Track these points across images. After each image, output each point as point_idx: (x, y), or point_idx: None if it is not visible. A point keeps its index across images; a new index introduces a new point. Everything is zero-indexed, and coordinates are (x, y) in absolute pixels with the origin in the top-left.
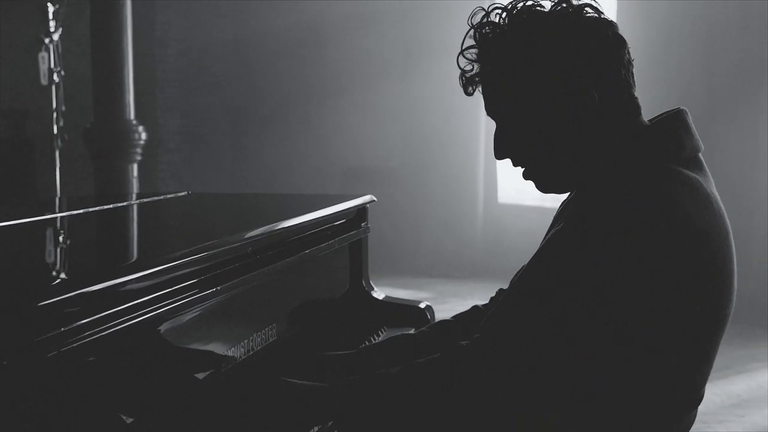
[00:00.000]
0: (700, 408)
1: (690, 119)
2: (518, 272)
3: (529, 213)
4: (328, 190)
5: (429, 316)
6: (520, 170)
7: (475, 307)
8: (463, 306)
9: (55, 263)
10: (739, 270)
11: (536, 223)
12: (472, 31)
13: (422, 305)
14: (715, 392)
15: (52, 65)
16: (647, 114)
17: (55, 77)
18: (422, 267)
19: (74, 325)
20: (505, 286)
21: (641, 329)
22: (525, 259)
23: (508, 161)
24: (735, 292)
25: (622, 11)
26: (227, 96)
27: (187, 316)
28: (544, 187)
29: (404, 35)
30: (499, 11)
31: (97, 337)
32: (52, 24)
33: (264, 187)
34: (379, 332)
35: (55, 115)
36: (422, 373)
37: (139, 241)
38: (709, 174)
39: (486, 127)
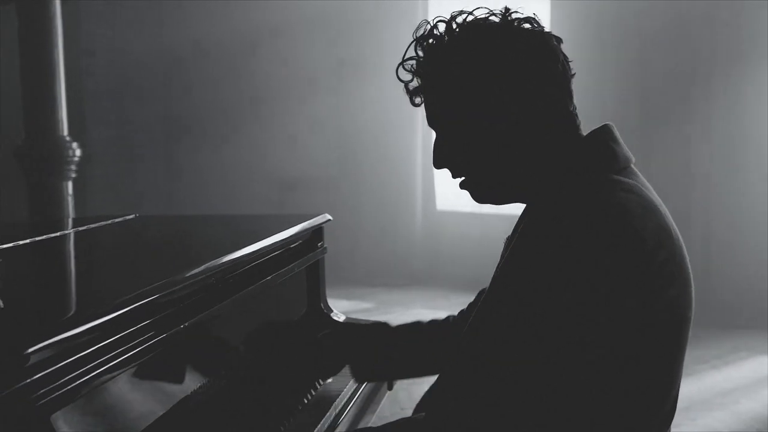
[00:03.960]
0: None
1: (617, 132)
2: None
3: (467, 219)
4: (265, 200)
5: None
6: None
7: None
8: (406, 315)
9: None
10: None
11: (475, 229)
12: (414, 43)
13: None
14: None
15: None
16: (586, 123)
17: None
18: (363, 276)
19: (26, 381)
20: (445, 294)
21: (607, 339)
22: (465, 264)
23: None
24: (694, 295)
25: (555, 11)
26: (159, 106)
27: (150, 356)
28: (480, 198)
29: (338, 44)
30: (444, 23)
31: (57, 394)
32: None
33: (200, 197)
34: None
35: None
36: None
37: (89, 279)
38: (647, 183)
39: (423, 134)
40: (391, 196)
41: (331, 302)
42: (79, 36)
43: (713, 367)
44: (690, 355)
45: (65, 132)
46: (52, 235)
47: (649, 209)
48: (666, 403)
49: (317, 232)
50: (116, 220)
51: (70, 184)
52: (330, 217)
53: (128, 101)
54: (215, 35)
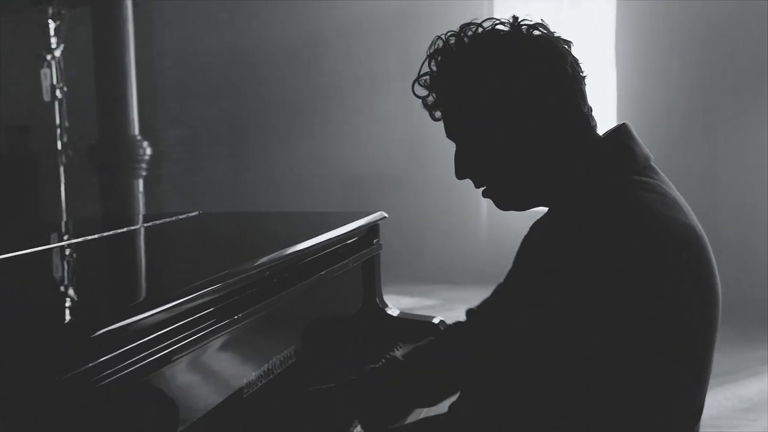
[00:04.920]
0: (712, 412)
1: (633, 131)
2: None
3: (533, 217)
4: (330, 199)
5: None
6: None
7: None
8: None
9: (69, 299)
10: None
11: None
12: (428, 59)
13: (436, 320)
14: (726, 396)
15: (55, 81)
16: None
17: (58, 93)
18: (427, 274)
19: (90, 365)
20: None
21: (632, 339)
22: None
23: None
24: (720, 294)
25: (621, 10)
26: (227, 105)
27: (209, 344)
28: (502, 205)
29: (404, 42)
30: (453, 36)
31: (116, 377)
32: (53, 40)
33: (266, 196)
34: (395, 348)
35: (58, 131)
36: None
37: (156, 271)
38: (667, 180)
39: None
40: (456, 194)
41: (395, 299)
42: (151, 38)
43: None
44: (755, 357)
45: (137, 131)
46: (122, 230)
47: (672, 207)
48: (693, 403)
49: (373, 229)
50: (181, 216)
51: (141, 182)
52: (386, 215)
53: (197, 101)
54: (282, 34)
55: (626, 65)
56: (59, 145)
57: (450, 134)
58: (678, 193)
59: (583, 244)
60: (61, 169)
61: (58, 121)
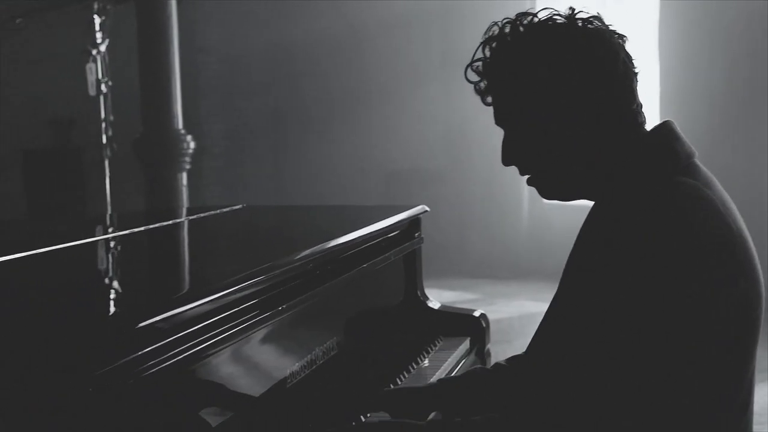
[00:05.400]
0: (756, 408)
1: (677, 128)
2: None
3: (575, 212)
4: (371, 193)
5: (484, 324)
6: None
7: None
8: (509, 306)
9: (115, 291)
10: None
11: (582, 222)
12: (481, 45)
13: (477, 313)
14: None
15: (100, 76)
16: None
17: (103, 88)
18: (467, 268)
19: (143, 351)
20: (551, 286)
21: (677, 338)
22: None
23: None
24: (763, 292)
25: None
26: (269, 101)
27: (252, 335)
28: (546, 194)
29: (445, 37)
30: (509, 24)
31: (165, 365)
32: (98, 35)
33: (307, 189)
34: (436, 341)
35: (103, 125)
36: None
37: (201, 263)
38: (711, 176)
39: None
40: (498, 188)
41: (436, 293)
42: (194, 34)
43: None
44: None
45: (180, 126)
46: (166, 223)
47: (711, 207)
48: (738, 396)
49: (414, 222)
50: (225, 210)
51: (184, 176)
52: (427, 209)
53: (239, 95)
54: (324, 30)
55: (669, 62)
56: (104, 139)
57: (499, 121)
58: (721, 190)
59: (623, 248)
60: (106, 163)
61: (103, 115)
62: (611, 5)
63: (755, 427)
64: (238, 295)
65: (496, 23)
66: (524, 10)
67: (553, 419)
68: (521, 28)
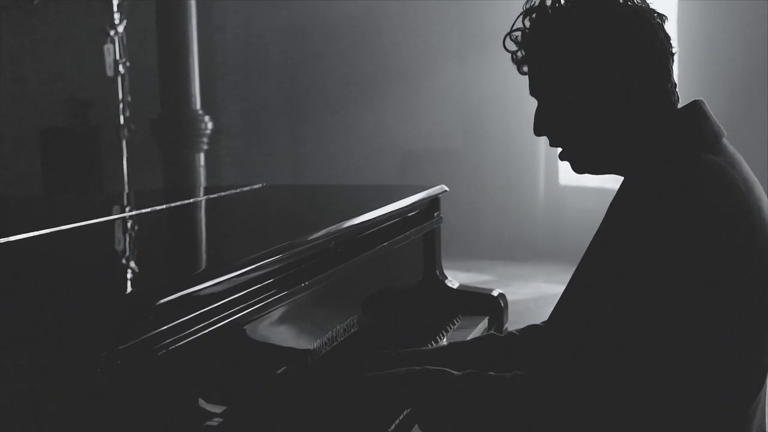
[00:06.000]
0: None
1: (707, 108)
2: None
3: (590, 194)
4: (387, 173)
5: (502, 304)
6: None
7: None
8: (526, 288)
9: (133, 270)
10: None
11: (598, 204)
12: (522, 15)
13: (495, 293)
14: None
15: (118, 57)
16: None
17: (121, 68)
18: (483, 249)
19: (162, 329)
20: (566, 269)
21: (709, 321)
22: (587, 240)
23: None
24: None
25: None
26: (286, 81)
27: (272, 312)
28: (579, 168)
29: (462, 17)
30: None
31: (185, 342)
32: (116, 16)
33: (323, 170)
34: (455, 320)
35: (121, 105)
36: (516, 388)
37: (219, 241)
38: (738, 157)
39: None
40: (514, 169)
41: (451, 274)
42: (211, 14)
43: None
44: None
45: (198, 106)
46: (185, 201)
47: (731, 185)
48: (756, 370)
49: (434, 202)
50: (245, 189)
51: (202, 156)
52: (446, 188)
53: (256, 75)
54: (341, 9)
55: (687, 56)
56: (122, 120)
57: (534, 92)
58: (747, 170)
59: (647, 230)
60: (124, 143)
61: (120, 95)
62: None
63: None
64: (258, 273)
65: None
66: None
67: (576, 382)
68: (562, 1)
